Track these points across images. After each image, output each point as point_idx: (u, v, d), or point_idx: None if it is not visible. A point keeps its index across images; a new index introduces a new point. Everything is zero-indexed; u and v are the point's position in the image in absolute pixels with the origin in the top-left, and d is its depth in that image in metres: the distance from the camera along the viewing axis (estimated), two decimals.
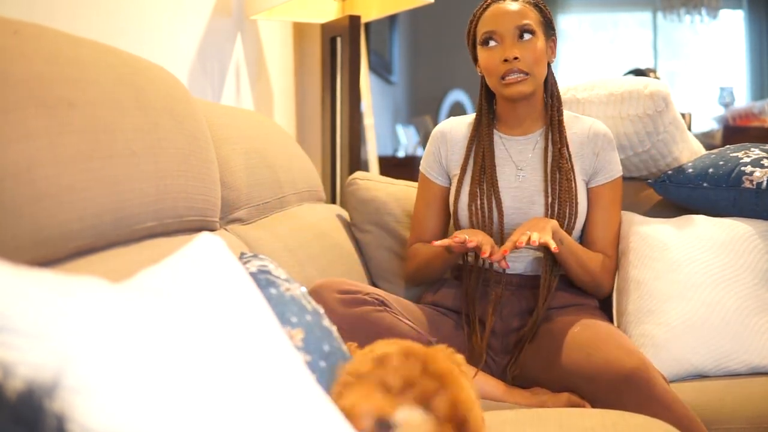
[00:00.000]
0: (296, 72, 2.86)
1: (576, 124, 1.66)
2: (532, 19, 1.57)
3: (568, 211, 1.57)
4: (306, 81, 2.87)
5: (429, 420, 0.77)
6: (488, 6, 1.61)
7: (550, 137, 1.62)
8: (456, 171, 1.68)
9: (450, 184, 1.70)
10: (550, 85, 1.65)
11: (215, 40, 2.08)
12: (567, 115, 1.68)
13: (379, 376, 0.80)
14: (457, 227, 1.65)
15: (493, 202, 1.60)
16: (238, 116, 1.63)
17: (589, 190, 1.64)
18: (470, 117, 1.73)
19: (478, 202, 1.60)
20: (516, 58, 1.53)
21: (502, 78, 1.55)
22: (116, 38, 1.51)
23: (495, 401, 1.42)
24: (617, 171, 1.65)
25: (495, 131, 1.67)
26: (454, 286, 1.66)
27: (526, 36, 1.55)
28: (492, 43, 1.57)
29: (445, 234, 1.72)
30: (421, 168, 1.74)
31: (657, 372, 1.32)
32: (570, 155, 1.61)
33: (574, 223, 1.58)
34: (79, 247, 0.89)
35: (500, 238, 1.59)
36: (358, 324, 1.34)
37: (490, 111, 1.68)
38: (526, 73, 1.55)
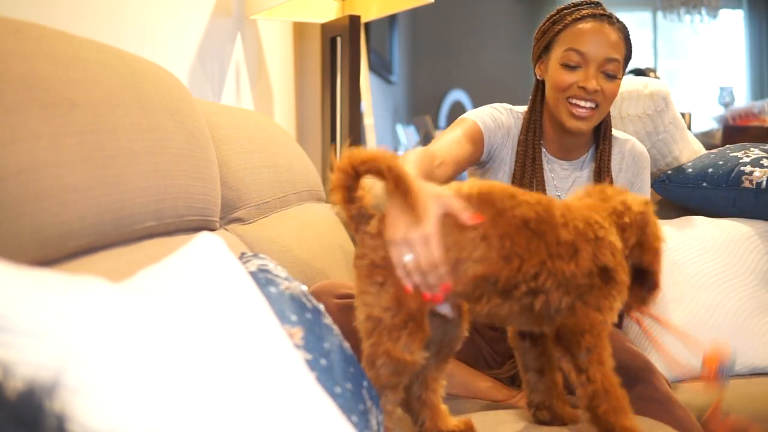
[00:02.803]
0: (296, 72, 2.86)
1: (615, 144, 1.56)
2: (621, 55, 1.45)
3: None
4: (306, 81, 2.87)
5: None
6: (583, 18, 1.45)
7: (598, 181, 1.49)
8: (498, 170, 1.54)
9: (485, 165, 1.55)
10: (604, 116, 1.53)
11: (215, 40, 2.08)
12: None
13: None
14: None
15: None
16: (238, 116, 1.64)
17: None
18: (522, 112, 1.56)
19: None
20: (596, 91, 1.42)
21: (570, 100, 1.44)
22: (116, 38, 1.51)
23: (495, 402, 1.42)
24: (645, 195, 1.55)
25: (543, 149, 1.54)
26: None
27: (611, 75, 1.44)
28: (574, 63, 1.43)
29: (454, 175, 1.47)
30: (476, 118, 1.50)
31: (659, 373, 1.32)
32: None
33: None
34: (80, 247, 0.89)
35: None
36: (355, 331, 1.33)
37: (540, 126, 1.53)
38: (596, 106, 1.44)
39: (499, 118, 1.53)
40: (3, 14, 0.87)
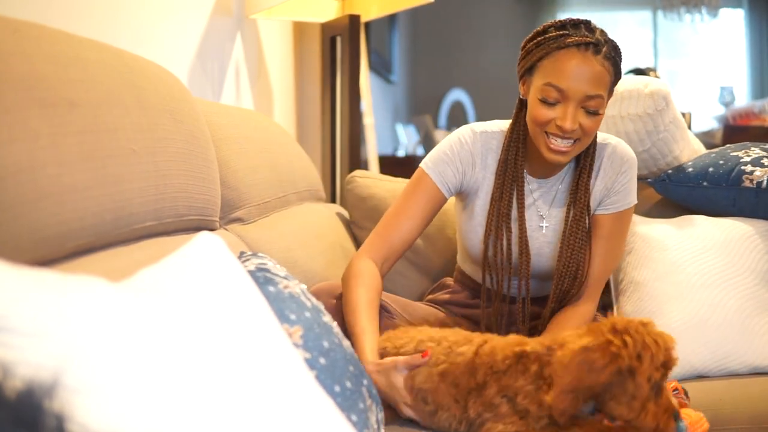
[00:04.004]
0: (296, 72, 2.86)
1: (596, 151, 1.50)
2: (605, 86, 1.35)
3: (577, 274, 1.45)
4: (306, 81, 2.87)
5: None
6: (567, 47, 1.34)
7: (574, 198, 1.47)
8: (474, 196, 1.52)
9: (457, 198, 1.57)
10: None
11: (215, 39, 2.07)
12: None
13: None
14: (467, 254, 1.57)
15: (520, 248, 1.47)
16: (238, 116, 1.64)
17: (591, 217, 1.50)
18: (498, 133, 1.52)
19: (504, 244, 1.47)
20: (574, 130, 1.35)
21: (548, 136, 1.38)
22: (116, 38, 1.51)
23: None
24: (628, 202, 1.50)
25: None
26: (459, 290, 1.65)
27: (592, 111, 1.35)
28: (553, 100, 1.35)
29: (411, 243, 1.52)
30: (426, 168, 1.50)
31: None
32: (589, 209, 1.48)
33: (578, 288, 1.46)
34: (79, 247, 0.89)
35: (507, 282, 1.49)
36: None
37: (523, 145, 1.48)
38: (576, 140, 1.38)
39: (455, 151, 1.49)
40: (2, 14, 0.87)
